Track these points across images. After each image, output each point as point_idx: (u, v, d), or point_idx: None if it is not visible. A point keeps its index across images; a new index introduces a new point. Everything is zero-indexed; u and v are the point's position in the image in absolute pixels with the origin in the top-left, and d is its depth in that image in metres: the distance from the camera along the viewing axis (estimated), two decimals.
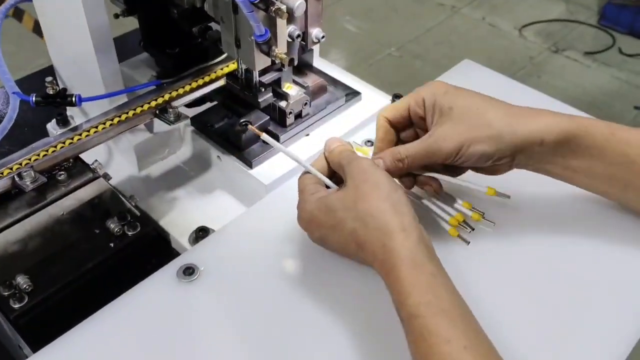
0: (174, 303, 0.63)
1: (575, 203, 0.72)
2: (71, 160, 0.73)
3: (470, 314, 0.53)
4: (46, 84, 0.73)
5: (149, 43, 0.88)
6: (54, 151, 0.70)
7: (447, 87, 0.66)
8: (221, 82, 0.82)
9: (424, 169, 0.68)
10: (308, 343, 0.60)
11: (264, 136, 0.68)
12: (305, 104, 0.81)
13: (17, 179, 0.67)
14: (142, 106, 0.75)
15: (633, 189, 0.65)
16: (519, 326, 0.61)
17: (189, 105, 0.83)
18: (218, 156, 0.80)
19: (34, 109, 0.76)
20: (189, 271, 0.65)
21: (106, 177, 0.76)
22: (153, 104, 0.76)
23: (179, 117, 0.77)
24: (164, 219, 0.79)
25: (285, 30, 0.70)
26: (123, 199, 0.74)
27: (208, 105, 0.86)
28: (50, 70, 0.89)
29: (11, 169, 0.67)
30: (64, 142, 0.70)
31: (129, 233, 0.71)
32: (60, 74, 0.87)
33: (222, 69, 0.83)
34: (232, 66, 0.83)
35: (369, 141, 0.80)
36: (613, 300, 0.64)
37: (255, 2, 0.64)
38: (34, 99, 0.73)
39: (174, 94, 0.78)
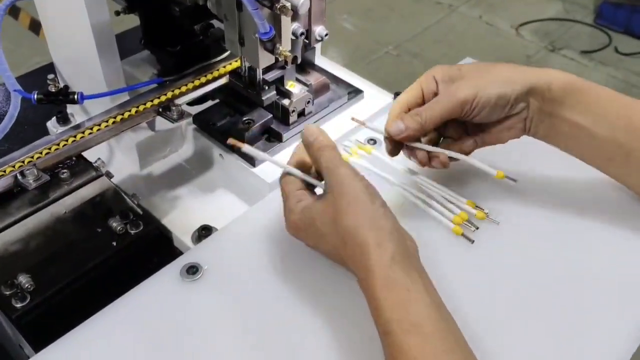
0: (177, 302, 0.63)
1: (581, 202, 0.72)
2: (74, 158, 0.72)
3: (449, 325, 0.52)
4: (48, 82, 0.72)
5: (150, 41, 0.87)
6: (56, 149, 0.69)
7: (452, 65, 0.68)
8: (224, 80, 0.82)
9: (444, 130, 0.69)
10: (312, 342, 0.60)
11: (246, 147, 0.64)
12: (308, 102, 0.81)
13: (19, 177, 0.66)
14: (144, 104, 0.75)
15: (635, 157, 0.65)
16: (522, 325, 0.61)
17: (191, 103, 0.83)
18: (220, 154, 0.80)
19: (33, 106, 0.76)
20: (192, 270, 0.65)
21: (108, 175, 0.75)
22: (156, 101, 0.76)
23: (182, 114, 0.77)
24: (166, 218, 0.78)
25: (289, 28, 0.69)
26: (125, 197, 0.74)
27: (210, 103, 0.86)
28: (49, 68, 0.88)
29: (14, 167, 0.67)
30: (66, 140, 0.70)
31: (132, 232, 0.70)
32: (61, 71, 0.87)
33: (224, 67, 0.83)
34: (234, 64, 0.83)
35: (371, 139, 0.80)
36: (618, 300, 0.64)
37: None
38: (35, 96, 0.72)
39: (177, 91, 0.78)
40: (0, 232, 0.67)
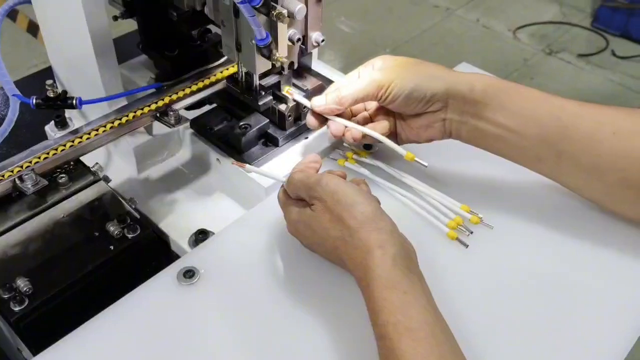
0: (174, 306, 0.63)
1: (574, 207, 0.73)
2: (72, 163, 0.73)
3: (443, 330, 0.52)
4: (47, 87, 0.73)
5: (147, 45, 0.88)
6: (54, 154, 0.69)
7: (396, 56, 0.71)
8: (221, 85, 0.83)
9: (375, 116, 0.74)
10: (308, 345, 0.60)
11: (247, 167, 0.71)
12: (304, 107, 0.81)
13: (18, 181, 0.67)
14: (142, 109, 0.76)
15: (567, 157, 0.64)
16: (515, 329, 0.62)
17: (188, 108, 0.83)
18: (217, 159, 0.80)
19: (31, 110, 0.76)
20: (189, 274, 0.65)
21: (106, 179, 0.76)
22: (153, 106, 0.76)
23: (179, 119, 0.77)
24: (163, 222, 0.79)
25: (286, 34, 0.70)
26: (123, 201, 0.74)
27: (207, 108, 0.86)
28: (47, 72, 0.88)
29: (12, 171, 0.67)
30: (64, 145, 0.70)
31: (129, 236, 0.71)
32: (59, 76, 0.87)
33: (221, 72, 0.83)
34: (231, 69, 0.83)
35: (367, 144, 0.80)
36: (611, 304, 0.64)
37: (257, 6, 0.64)
38: (34, 101, 0.73)
39: (174, 96, 0.78)
40: None
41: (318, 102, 0.72)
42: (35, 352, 0.61)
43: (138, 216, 0.73)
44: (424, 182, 0.74)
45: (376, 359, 0.58)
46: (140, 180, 0.84)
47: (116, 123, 0.73)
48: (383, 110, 0.74)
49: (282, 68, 0.71)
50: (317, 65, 0.93)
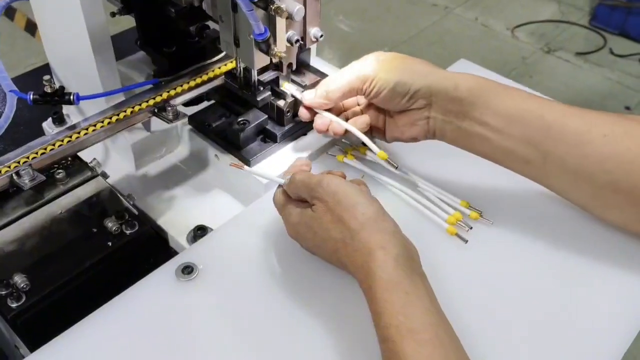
0: (173, 302, 0.63)
1: (570, 208, 0.72)
2: (69, 158, 0.73)
3: (446, 331, 0.52)
4: (44, 82, 0.72)
5: (145, 42, 0.87)
6: (52, 149, 0.69)
7: (387, 52, 0.71)
8: (219, 81, 0.82)
9: (366, 111, 0.74)
10: (306, 341, 0.60)
11: (246, 169, 0.71)
12: (297, 100, 0.81)
13: (15, 177, 0.67)
14: (140, 104, 0.75)
15: (553, 159, 0.62)
16: (516, 325, 0.62)
17: (187, 104, 0.83)
18: (216, 155, 0.80)
19: (29, 107, 0.76)
20: (187, 270, 0.65)
21: (104, 175, 0.75)
22: (151, 102, 0.76)
23: (177, 115, 0.77)
24: (162, 218, 0.78)
25: (284, 28, 0.70)
26: (121, 197, 0.74)
27: (206, 104, 0.86)
28: (45, 69, 0.88)
29: (9, 167, 0.67)
30: (62, 141, 0.70)
31: (127, 232, 0.71)
32: (57, 72, 0.87)
33: (219, 68, 0.83)
34: (229, 65, 0.83)
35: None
36: (611, 299, 0.64)
37: (255, 0, 0.64)
38: (31, 97, 0.72)
39: (172, 92, 0.78)
40: None
41: (308, 96, 0.74)
42: (32, 349, 0.61)
43: (136, 212, 0.73)
44: (423, 178, 0.74)
45: (373, 357, 0.58)
46: (138, 177, 0.84)
47: (113, 119, 0.73)
48: (374, 106, 0.74)
49: (281, 65, 0.71)
50: (318, 62, 0.93)
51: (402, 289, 0.53)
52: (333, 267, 0.64)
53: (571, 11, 3.04)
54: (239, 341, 0.60)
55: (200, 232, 0.75)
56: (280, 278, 0.66)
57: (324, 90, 0.72)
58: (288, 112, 0.80)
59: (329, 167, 0.76)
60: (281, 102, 0.79)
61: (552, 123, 0.62)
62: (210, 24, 0.88)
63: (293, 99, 0.79)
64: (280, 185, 0.66)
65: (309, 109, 0.75)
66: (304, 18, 0.73)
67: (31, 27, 2.67)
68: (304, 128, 0.82)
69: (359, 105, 0.76)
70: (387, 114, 0.73)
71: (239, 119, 0.78)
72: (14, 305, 0.64)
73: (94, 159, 0.75)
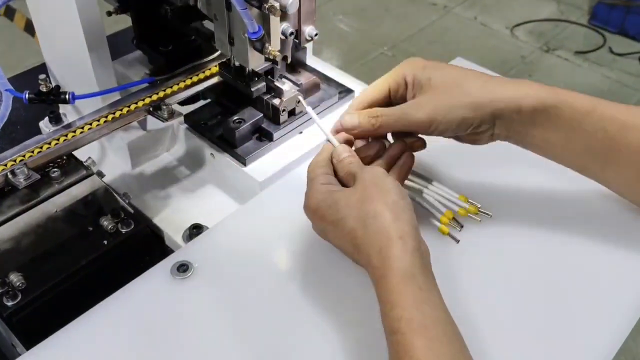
0: (168, 300, 0.63)
1: (570, 199, 0.72)
2: (64, 157, 0.73)
3: (453, 329, 0.52)
4: (39, 82, 0.73)
5: (141, 40, 0.88)
6: (47, 148, 0.69)
7: (425, 62, 0.66)
8: (215, 80, 0.82)
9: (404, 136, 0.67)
10: (303, 340, 0.60)
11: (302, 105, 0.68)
12: (299, 101, 0.81)
13: (10, 176, 0.67)
14: (135, 103, 0.75)
15: (612, 166, 0.64)
16: (509, 323, 0.62)
17: (182, 103, 0.83)
18: (211, 154, 0.80)
19: (26, 106, 0.76)
20: (182, 268, 0.65)
21: (100, 174, 0.76)
22: (147, 101, 0.76)
23: (172, 114, 0.77)
24: (157, 217, 0.79)
25: (278, 27, 0.70)
26: (116, 196, 0.74)
27: (201, 103, 0.86)
28: (42, 68, 0.88)
29: (5, 165, 0.67)
30: (57, 139, 0.70)
31: (123, 230, 0.71)
32: (53, 71, 0.87)
33: (215, 66, 0.83)
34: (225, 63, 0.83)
35: None
36: (605, 297, 0.64)
37: None
38: (27, 96, 0.73)
39: (168, 91, 0.78)
40: None
41: (350, 123, 0.65)
42: (28, 347, 0.61)
43: (132, 211, 0.73)
44: (422, 174, 0.74)
45: (372, 356, 0.58)
46: (134, 175, 0.84)
47: (109, 117, 0.73)
48: None
49: (275, 62, 0.71)
50: (314, 61, 0.93)
51: (416, 284, 0.53)
52: (330, 265, 0.64)
53: (570, 10, 3.04)
54: (234, 339, 0.60)
55: (195, 230, 0.75)
56: (276, 276, 0.66)
57: (371, 125, 0.64)
58: (284, 110, 0.80)
59: None
60: (277, 101, 0.79)
61: (614, 135, 0.62)
62: (206, 22, 0.88)
63: (289, 97, 0.79)
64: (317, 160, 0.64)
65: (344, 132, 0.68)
66: (299, 16, 0.73)
67: (30, 28, 2.67)
68: (300, 126, 0.82)
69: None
70: None
71: (235, 118, 0.78)
72: (9, 303, 0.64)
73: (89, 157, 0.75)
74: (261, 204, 0.74)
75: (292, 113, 0.81)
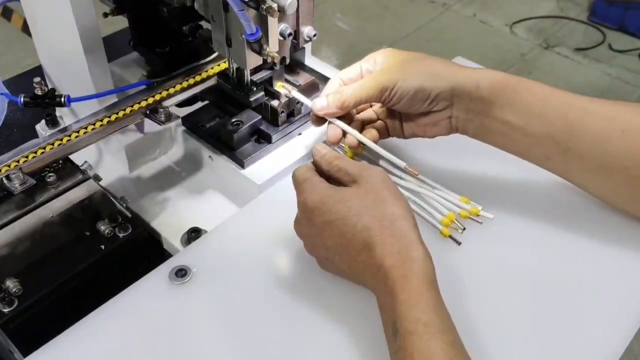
0: (166, 305, 0.63)
1: (573, 201, 0.72)
2: (61, 161, 0.72)
3: (458, 335, 0.53)
4: (34, 85, 0.72)
5: (138, 42, 0.87)
6: (42, 152, 0.68)
7: (398, 50, 0.70)
8: (212, 82, 0.82)
9: (380, 114, 0.72)
10: (301, 345, 0.60)
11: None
12: (297, 102, 0.81)
13: (5, 181, 0.66)
14: (132, 106, 0.74)
15: (574, 156, 0.64)
16: (512, 326, 0.61)
17: (180, 105, 0.82)
18: (210, 156, 0.80)
19: (22, 109, 0.75)
20: (181, 273, 0.64)
21: (96, 178, 0.75)
22: (143, 103, 0.75)
23: (169, 117, 0.76)
24: (155, 220, 0.78)
25: (276, 28, 0.69)
26: (114, 200, 0.73)
27: (199, 105, 0.86)
28: (38, 71, 0.88)
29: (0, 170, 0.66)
30: (53, 144, 0.69)
31: (120, 235, 0.70)
32: (49, 74, 0.86)
33: (212, 68, 0.82)
34: (223, 65, 0.82)
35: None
36: (607, 301, 0.64)
37: (246, 0, 0.63)
38: (22, 99, 0.72)
39: (165, 93, 0.77)
40: None
41: (319, 105, 0.69)
42: (25, 354, 0.60)
43: (129, 215, 0.72)
44: (423, 175, 0.73)
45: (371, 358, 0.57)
46: (132, 179, 0.84)
47: (105, 121, 0.72)
48: (387, 108, 0.72)
49: (274, 63, 0.70)
50: (313, 62, 0.93)
51: (435, 288, 0.54)
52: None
53: (569, 7, 3.03)
54: (233, 344, 0.60)
55: (194, 234, 0.75)
56: (275, 280, 0.65)
57: (337, 99, 0.68)
58: (282, 112, 0.79)
59: None
60: (275, 102, 0.78)
61: (574, 122, 0.62)
62: (203, 23, 0.88)
63: (287, 99, 0.78)
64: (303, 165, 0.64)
65: (317, 115, 0.71)
66: (297, 17, 0.72)
67: (28, 28, 2.66)
68: (299, 128, 0.81)
69: (371, 106, 0.74)
70: (404, 114, 0.72)
71: (233, 120, 0.78)
72: (6, 310, 0.63)
73: (85, 161, 0.74)
74: (260, 207, 0.74)
75: (290, 114, 0.81)
